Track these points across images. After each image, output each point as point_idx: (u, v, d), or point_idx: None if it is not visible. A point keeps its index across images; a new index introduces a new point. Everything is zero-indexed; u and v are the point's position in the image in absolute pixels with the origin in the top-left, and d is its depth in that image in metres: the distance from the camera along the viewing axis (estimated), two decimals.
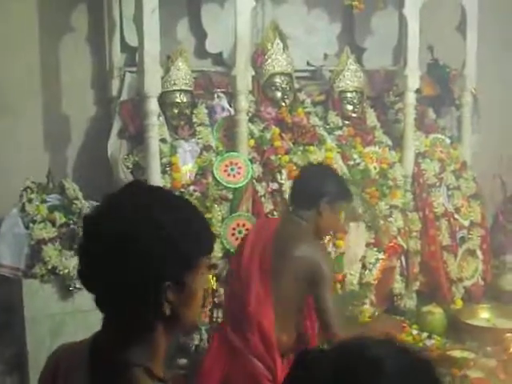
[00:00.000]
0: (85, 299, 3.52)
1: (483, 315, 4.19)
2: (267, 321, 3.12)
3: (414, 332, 4.05)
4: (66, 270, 3.50)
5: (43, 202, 3.70)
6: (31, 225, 3.57)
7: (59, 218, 3.64)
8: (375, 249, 4.25)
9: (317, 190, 3.27)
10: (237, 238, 3.87)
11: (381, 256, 4.26)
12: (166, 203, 1.62)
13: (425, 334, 4.00)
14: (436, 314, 4.17)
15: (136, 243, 1.53)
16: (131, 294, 1.55)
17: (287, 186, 4.10)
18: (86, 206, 3.74)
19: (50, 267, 3.50)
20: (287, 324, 3.20)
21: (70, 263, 3.52)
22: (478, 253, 4.62)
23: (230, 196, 4.01)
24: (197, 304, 1.65)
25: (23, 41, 4.33)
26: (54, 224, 3.61)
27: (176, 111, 4.25)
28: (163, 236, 1.55)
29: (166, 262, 1.56)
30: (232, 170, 4.07)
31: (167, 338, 1.63)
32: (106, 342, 1.61)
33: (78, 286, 3.52)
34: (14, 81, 4.31)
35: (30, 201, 3.67)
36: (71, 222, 3.65)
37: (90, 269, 1.60)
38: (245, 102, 4.13)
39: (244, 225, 3.97)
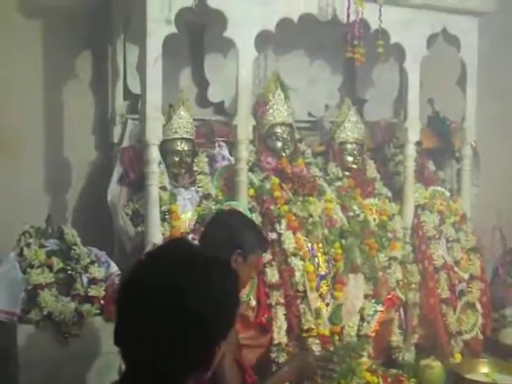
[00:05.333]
0: (80, 346, 3.52)
1: (482, 370, 4.13)
2: None
3: None
4: (62, 316, 3.46)
5: (41, 246, 3.68)
6: (28, 269, 3.54)
7: (57, 263, 3.62)
8: (373, 301, 4.22)
9: (227, 243, 2.93)
10: None
11: (379, 308, 4.22)
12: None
13: None
14: (435, 367, 4.12)
15: (187, 307, 1.53)
16: (176, 363, 1.54)
17: (286, 236, 4.10)
18: (84, 251, 3.73)
19: (45, 313, 3.46)
20: None
21: (67, 309, 3.49)
22: (478, 306, 4.59)
23: None
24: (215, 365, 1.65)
25: (27, 85, 4.36)
26: (51, 269, 3.59)
27: (177, 159, 4.26)
28: (216, 301, 1.56)
29: (219, 324, 1.57)
30: None
31: None
32: None
33: (73, 332, 3.49)
34: (16, 123, 4.33)
35: (28, 245, 3.65)
36: (69, 267, 3.63)
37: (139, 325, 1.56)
38: (245, 152, 4.14)
39: None
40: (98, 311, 3.58)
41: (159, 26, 3.83)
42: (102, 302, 3.59)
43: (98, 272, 3.65)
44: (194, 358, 1.54)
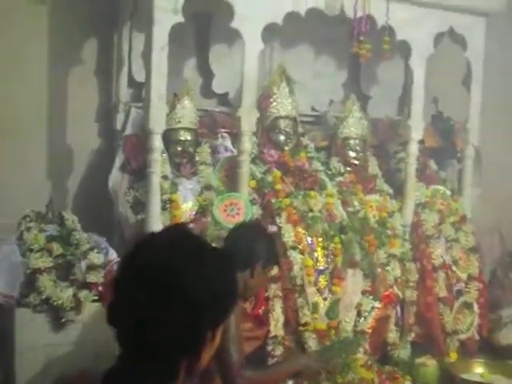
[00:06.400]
0: (76, 331, 3.53)
1: (477, 370, 4.14)
2: None
3: (407, 383, 4.02)
4: (60, 301, 3.47)
5: (41, 231, 3.68)
6: (28, 253, 3.55)
7: (56, 248, 3.62)
8: (371, 297, 4.22)
9: (252, 253, 3.25)
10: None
11: (376, 304, 4.23)
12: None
13: None
14: (429, 366, 4.13)
15: (183, 292, 1.53)
16: (172, 339, 1.54)
17: (286, 229, 4.10)
18: (83, 237, 3.73)
19: (44, 297, 3.47)
20: None
21: (65, 294, 3.49)
22: (475, 306, 4.59)
23: None
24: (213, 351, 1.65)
25: (34, 70, 4.37)
26: (50, 254, 3.59)
27: (179, 149, 4.26)
28: (211, 287, 1.56)
29: (213, 311, 1.57)
30: (232, 210, 4.06)
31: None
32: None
33: (70, 317, 3.49)
34: (21, 110, 4.33)
35: (28, 229, 3.66)
36: (68, 253, 3.63)
37: (129, 305, 1.57)
38: (248, 144, 4.14)
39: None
40: (96, 297, 3.59)
41: (166, 14, 3.83)
42: (100, 288, 3.59)
43: (97, 258, 3.65)
44: (182, 343, 1.54)
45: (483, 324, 4.62)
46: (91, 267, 3.62)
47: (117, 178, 4.19)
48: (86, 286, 3.57)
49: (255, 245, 3.31)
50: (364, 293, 4.22)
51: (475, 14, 4.73)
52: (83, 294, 3.53)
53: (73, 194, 4.53)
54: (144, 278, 1.55)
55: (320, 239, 4.20)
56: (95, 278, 3.60)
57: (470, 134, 4.84)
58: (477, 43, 4.78)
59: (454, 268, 4.59)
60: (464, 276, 4.60)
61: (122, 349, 1.59)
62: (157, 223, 3.85)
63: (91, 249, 3.68)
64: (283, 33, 4.58)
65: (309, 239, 4.17)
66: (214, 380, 3.10)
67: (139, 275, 1.56)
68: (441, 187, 4.84)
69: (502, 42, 5.43)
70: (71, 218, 3.79)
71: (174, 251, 1.57)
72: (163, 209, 4.00)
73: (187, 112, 4.26)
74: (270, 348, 3.86)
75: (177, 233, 1.67)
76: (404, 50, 4.69)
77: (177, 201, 4.07)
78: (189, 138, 4.28)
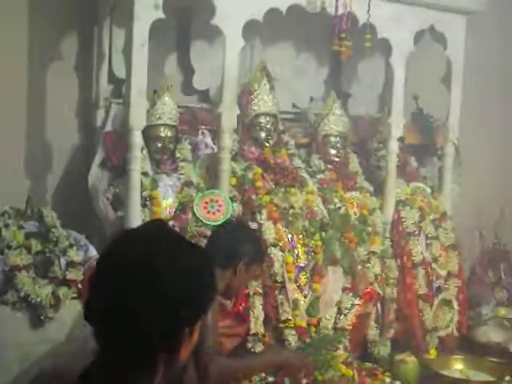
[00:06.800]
0: (55, 329, 3.50)
1: (456, 366, 4.17)
2: None
3: (387, 380, 4.04)
4: (39, 299, 3.44)
5: (20, 228, 3.65)
6: (6, 250, 3.52)
7: (35, 245, 3.59)
8: (351, 294, 4.23)
9: (236, 251, 3.31)
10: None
11: (357, 302, 4.24)
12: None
13: (397, 383, 3.98)
14: (409, 362, 4.15)
15: (161, 288, 1.52)
16: (149, 336, 1.53)
17: (266, 226, 4.10)
18: (63, 234, 3.70)
19: (22, 295, 3.44)
20: None
21: (43, 291, 3.46)
22: (454, 303, 4.61)
23: (209, 233, 3.98)
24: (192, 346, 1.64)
25: (11, 65, 4.31)
26: (29, 251, 3.56)
27: (159, 145, 4.24)
28: (189, 284, 1.55)
29: (190, 308, 1.56)
30: (212, 207, 4.05)
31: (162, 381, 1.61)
32: (101, 379, 1.57)
33: (49, 315, 3.47)
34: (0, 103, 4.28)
35: (6, 226, 3.62)
36: (47, 250, 3.60)
37: (105, 301, 1.55)
38: (229, 140, 4.13)
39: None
40: (75, 295, 3.56)
41: (147, 10, 3.80)
42: (79, 285, 3.57)
43: (76, 255, 3.62)
44: (160, 339, 1.53)
45: (462, 321, 4.65)
46: (71, 264, 3.59)
47: (96, 175, 4.15)
48: (66, 283, 3.55)
49: (239, 243, 3.35)
50: (344, 290, 4.23)
51: (456, 12, 4.74)
52: (62, 291, 3.50)
53: (52, 190, 4.48)
54: (121, 273, 1.53)
55: (300, 236, 4.21)
56: (75, 275, 3.57)
57: (450, 131, 4.86)
58: (457, 42, 4.80)
59: (433, 265, 4.61)
60: (444, 273, 4.62)
61: (100, 345, 1.58)
62: (137, 220, 3.83)
63: (70, 246, 3.65)
64: (264, 30, 4.56)
65: (289, 236, 4.17)
66: (187, 370, 3.10)
67: (117, 271, 1.55)
68: (421, 184, 4.86)
69: (482, 41, 5.44)
70: (50, 215, 3.76)
71: (152, 247, 1.56)
72: (143, 206, 3.97)
73: (167, 108, 4.24)
74: (250, 345, 3.86)
75: (155, 228, 1.66)
76: (385, 47, 4.70)
77: (157, 197, 4.05)
78: (169, 134, 4.26)
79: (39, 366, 3.39)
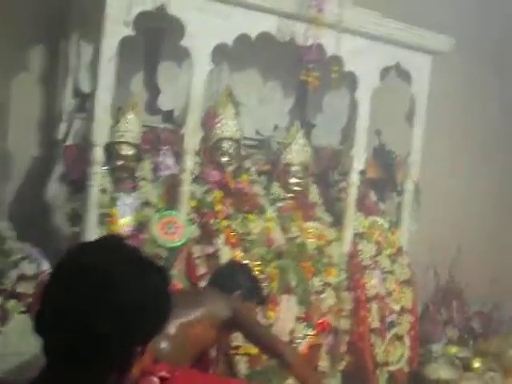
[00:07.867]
0: (2, 343, 3.42)
1: None
2: None
3: None
4: None
5: None
6: None
7: None
8: (304, 324, 4.21)
9: (235, 282, 3.30)
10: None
11: (309, 332, 4.22)
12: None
13: None
14: None
15: (115, 301, 1.48)
16: (100, 350, 1.48)
17: (224, 251, 4.07)
18: (16, 247, 3.64)
19: None
20: None
21: None
22: (406, 339, 4.62)
23: (165, 254, 3.94)
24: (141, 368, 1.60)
25: None
26: None
27: (120, 163, 4.20)
28: (145, 301, 1.51)
29: (144, 325, 1.52)
30: (169, 228, 4.02)
31: None
32: None
33: None
34: None
35: None
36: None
37: (57, 312, 1.50)
38: (190, 162, 4.11)
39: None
40: (24, 309, 3.49)
41: (117, 26, 3.79)
42: (30, 299, 3.50)
43: (28, 268, 3.56)
44: (111, 355, 1.49)
45: (413, 357, 4.66)
46: (22, 277, 3.53)
47: (55, 189, 4.10)
48: (15, 296, 3.48)
49: (239, 277, 3.34)
50: (298, 319, 4.21)
51: (422, 52, 4.81)
52: (11, 303, 3.44)
53: (9, 201, 4.41)
54: (77, 283, 1.49)
55: (257, 263, 4.18)
56: (25, 288, 3.50)
57: (410, 168, 4.90)
58: (422, 80, 4.86)
59: (387, 299, 4.62)
60: (397, 308, 4.63)
61: (48, 358, 1.53)
62: (93, 237, 3.77)
63: (23, 258, 3.59)
64: (232, 55, 4.57)
65: (245, 262, 4.14)
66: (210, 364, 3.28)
67: (73, 281, 1.50)
68: (379, 219, 4.88)
69: (446, 81, 5.52)
70: (6, 226, 3.70)
71: (110, 258, 1.52)
72: (100, 223, 3.92)
73: (131, 127, 4.21)
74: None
75: (113, 241, 1.63)
76: (351, 81, 4.73)
77: (115, 215, 4.00)
78: (130, 152, 4.22)
79: None
